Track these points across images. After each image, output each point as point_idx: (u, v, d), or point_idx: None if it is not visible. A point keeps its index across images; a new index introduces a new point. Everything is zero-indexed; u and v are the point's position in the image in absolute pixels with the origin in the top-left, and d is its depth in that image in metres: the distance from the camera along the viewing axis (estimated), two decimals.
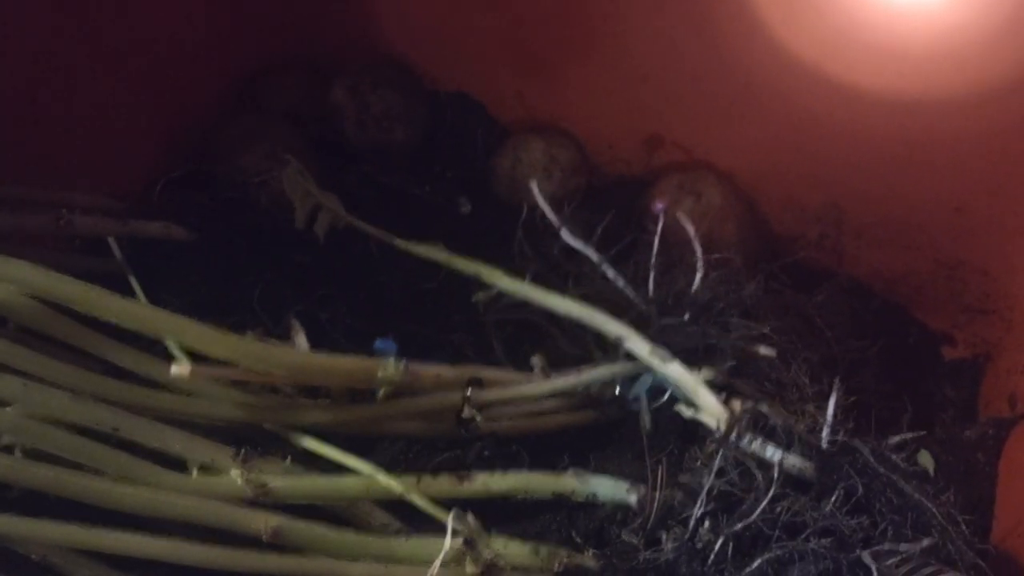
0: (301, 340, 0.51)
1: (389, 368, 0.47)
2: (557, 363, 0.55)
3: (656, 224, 0.60)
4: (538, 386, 0.53)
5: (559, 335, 0.59)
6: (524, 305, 0.59)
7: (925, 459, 0.54)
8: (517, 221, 0.63)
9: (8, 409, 0.42)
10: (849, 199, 0.67)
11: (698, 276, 0.56)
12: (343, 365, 0.47)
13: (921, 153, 0.60)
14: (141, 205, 0.57)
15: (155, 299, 0.51)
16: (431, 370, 0.49)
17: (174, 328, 0.44)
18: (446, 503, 0.45)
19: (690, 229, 0.57)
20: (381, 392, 0.48)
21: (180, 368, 0.43)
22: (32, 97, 0.54)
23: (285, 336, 0.52)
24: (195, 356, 0.45)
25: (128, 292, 0.49)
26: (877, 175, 0.63)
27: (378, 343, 0.52)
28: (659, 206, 0.62)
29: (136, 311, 0.43)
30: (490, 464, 0.49)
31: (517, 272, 0.59)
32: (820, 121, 0.63)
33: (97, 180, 0.56)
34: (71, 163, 0.55)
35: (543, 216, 0.62)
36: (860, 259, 0.69)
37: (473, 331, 0.60)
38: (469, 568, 0.43)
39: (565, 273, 0.60)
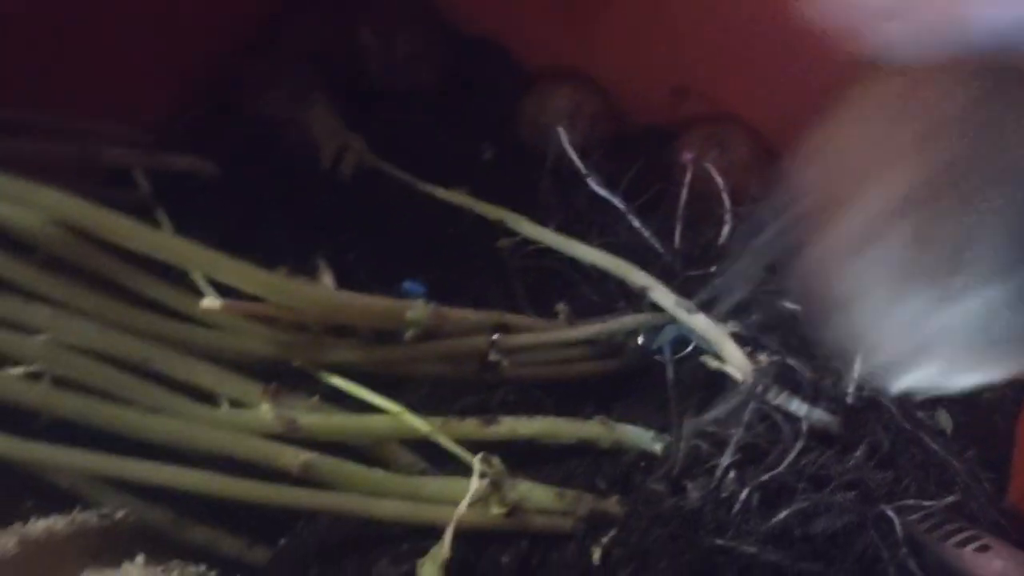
0: (328, 280, 0.51)
1: (418, 309, 0.46)
2: (581, 312, 0.55)
3: (683, 175, 0.60)
4: (562, 333, 0.53)
5: (583, 284, 0.58)
6: (548, 253, 0.59)
7: (943, 419, 0.54)
8: (541, 168, 0.63)
9: (37, 337, 0.41)
10: None
11: (726, 228, 0.56)
12: (373, 305, 0.46)
13: None
14: (166, 140, 0.56)
15: (180, 234, 0.51)
16: (458, 313, 0.49)
17: (205, 261, 0.43)
18: (471, 446, 0.45)
19: (719, 180, 0.57)
20: (408, 333, 0.47)
21: (211, 302, 0.43)
22: (57, 28, 0.53)
23: (311, 276, 0.52)
24: (223, 291, 0.45)
25: (154, 226, 0.48)
26: None
27: (406, 284, 0.51)
28: (686, 156, 0.61)
29: (167, 243, 0.43)
30: (513, 410, 0.49)
31: (541, 220, 0.59)
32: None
33: (121, 113, 0.55)
34: (95, 96, 0.54)
35: (568, 164, 0.61)
36: None
37: (496, 278, 0.60)
38: (495, 509, 0.43)
39: (590, 222, 0.60)
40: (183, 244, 0.43)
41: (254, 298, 0.44)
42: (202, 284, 0.45)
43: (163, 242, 0.42)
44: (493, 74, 0.72)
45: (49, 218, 0.42)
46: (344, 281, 0.52)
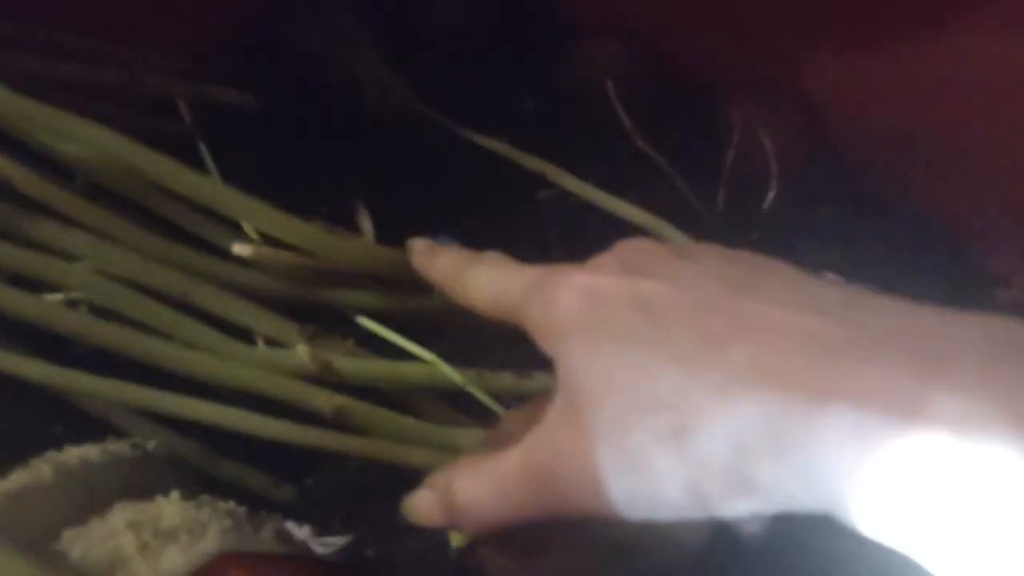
0: (367, 225, 0.50)
1: None
2: None
3: (729, 136, 0.58)
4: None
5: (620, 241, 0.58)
6: (587, 209, 0.58)
7: None
8: (582, 121, 0.62)
9: (77, 264, 0.41)
10: (924, 130, 0.65)
11: (771, 194, 0.55)
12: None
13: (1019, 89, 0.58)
14: (207, 72, 0.56)
15: (219, 167, 0.50)
16: None
17: (244, 208, 0.43)
18: (505, 399, 0.44)
19: (768, 144, 0.55)
20: None
21: (242, 248, 0.42)
22: None
23: (349, 219, 0.51)
24: (263, 234, 0.45)
25: (194, 157, 0.48)
26: (959, 108, 0.61)
27: (441, 238, 0.51)
28: (734, 117, 0.60)
29: (208, 187, 0.43)
30: (547, 365, 0.48)
31: (581, 174, 0.58)
32: (905, 46, 0.60)
33: (165, 43, 0.54)
34: (141, 24, 0.53)
35: (611, 119, 0.60)
36: (927, 192, 0.68)
37: (533, 230, 0.59)
38: None
39: (631, 179, 0.59)
40: (223, 190, 0.43)
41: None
42: (244, 225, 0.45)
43: (204, 186, 0.42)
44: (539, 23, 0.71)
45: (94, 153, 0.42)
46: (380, 225, 0.51)
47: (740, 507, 0.28)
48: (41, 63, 0.48)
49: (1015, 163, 0.62)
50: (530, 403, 0.42)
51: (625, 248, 0.34)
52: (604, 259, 0.34)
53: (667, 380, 0.28)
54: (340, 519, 0.45)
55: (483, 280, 0.38)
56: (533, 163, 0.58)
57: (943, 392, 0.24)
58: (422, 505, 0.37)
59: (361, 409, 0.42)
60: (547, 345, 0.33)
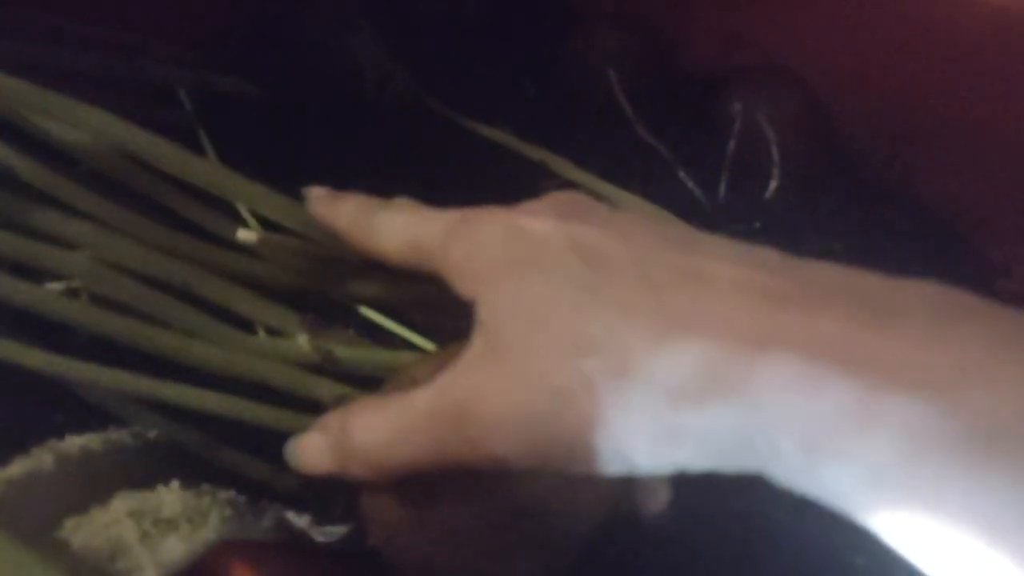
0: None
1: None
2: None
3: (731, 126, 0.58)
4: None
5: None
6: None
7: None
8: (583, 110, 0.61)
9: (78, 253, 0.41)
10: (928, 120, 0.64)
11: (773, 184, 0.55)
12: None
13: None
14: (208, 59, 0.55)
15: (220, 155, 0.50)
16: None
17: (246, 193, 0.43)
18: None
19: (770, 134, 0.55)
20: None
21: (247, 234, 0.42)
22: None
23: None
24: (264, 220, 0.45)
25: (195, 145, 0.48)
26: (964, 97, 0.61)
27: None
28: (736, 107, 0.59)
29: (212, 173, 0.42)
30: None
31: (583, 163, 0.58)
32: (912, 36, 0.60)
33: (166, 31, 0.54)
34: (142, 11, 0.53)
35: (613, 108, 0.60)
36: (929, 181, 0.67)
37: None
38: None
39: (632, 169, 0.58)
40: (228, 175, 0.42)
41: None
42: (244, 212, 0.45)
43: (208, 172, 0.42)
44: (539, 10, 0.70)
45: (96, 139, 0.42)
46: None
47: (666, 460, 0.27)
48: (41, 51, 0.48)
49: (1017, 153, 0.62)
50: (437, 354, 0.40)
51: (559, 197, 0.33)
52: (535, 204, 0.33)
53: (602, 322, 0.27)
54: (340, 509, 0.45)
55: (396, 224, 0.36)
56: (535, 152, 0.58)
57: (888, 342, 0.24)
58: (311, 447, 0.35)
59: (361, 398, 0.42)
60: (468, 286, 0.32)
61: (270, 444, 0.45)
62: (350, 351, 0.43)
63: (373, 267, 0.47)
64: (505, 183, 0.60)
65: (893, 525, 0.24)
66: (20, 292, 0.39)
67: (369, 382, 0.44)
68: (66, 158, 0.43)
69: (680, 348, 0.26)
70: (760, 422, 0.25)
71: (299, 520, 0.43)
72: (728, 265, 0.28)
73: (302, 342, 0.42)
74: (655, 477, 0.33)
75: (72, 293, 0.41)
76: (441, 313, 0.49)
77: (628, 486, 0.36)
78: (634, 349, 0.27)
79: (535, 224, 0.31)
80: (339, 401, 0.42)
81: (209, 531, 0.35)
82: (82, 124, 0.41)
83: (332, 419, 0.35)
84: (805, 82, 0.64)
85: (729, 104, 0.60)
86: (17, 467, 0.35)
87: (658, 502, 0.36)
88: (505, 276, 0.30)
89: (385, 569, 0.42)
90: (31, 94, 0.40)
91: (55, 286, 0.41)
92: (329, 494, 0.46)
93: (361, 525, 0.45)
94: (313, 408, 0.42)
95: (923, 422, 0.23)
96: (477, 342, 0.30)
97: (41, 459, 0.35)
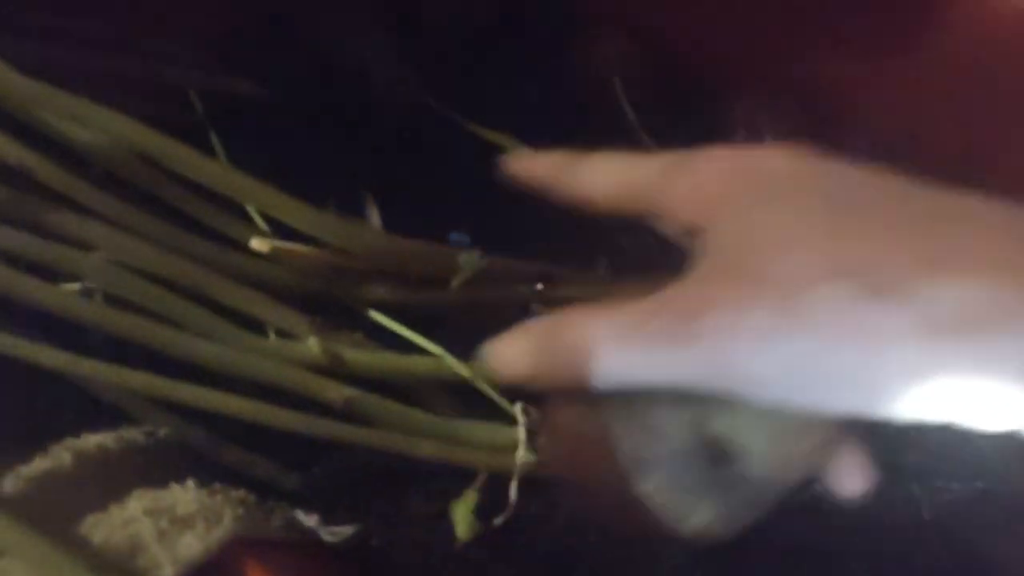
0: (375, 218, 0.51)
1: (469, 256, 0.47)
2: (621, 265, 0.55)
3: (734, 135, 0.59)
4: (603, 288, 0.53)
5: (624, 237, 0.58)
6: None
7: None
8: (587, 117, 0.62)
9: (92, 254, 0.42)
10: (929, 132, 0.65)
11: None
12: (423, 249, 0.47)
13: None
14: (219, 62, 0.56)
15: (230, 157, 0.51)
16: (504, 262, 0.50)
17: (258, 196, 0.44)
18: (510, 395, 0.45)
19: (772, 141, 0.56)
20: (456, 280, 0.48)
21: (261, 243, 0.43)
22: None
23: (356, 210, 0.52)
24: (274, 224, 0.45)
25: (206, 147, 0.48)
26: (964, 110, 0.62)
27: (453, 236, 0.52)
28: (740, 119, 0.60)
29: (225, 176, 0.43)
30: None
31: None
32: (912, 48, 0.61)
33: (178, 33, 0.55)
34: (154, 13, 0.53)
35: (615, 115, 0.61)
36: None
37: (539, 225, 0.60)
38: (529, 456, 0.44)
39: None
40: (240, 178, 0.43)
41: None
42: (255, 215, 0.45)
43: (219, 174, 0.43)
44: (544, 17, 0.71)
45: (110, 140, 0.43)
46: (388, 217, 0.52)
47: (910, 388, 0.26)
48: (55, 52, 0.49)
49: (1018, 166, 0.62)
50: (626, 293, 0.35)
51: (779, 144, 0.33)
52: (756, 148, 0.33)
53: (861, 247, 0.27)
54: (347, 508, 0.46)
55: (606, 167, 0.37)
56: None
57: None
58: (512, 347, 0.33)
59: (371, 401, 0.43)
60: (695, 217, 0.31)
61: (279, 445, 0.46)
62: (359, 354, 0.44)
63: (380, 271, 0.48)
64: (511, 188, 0.60)
65: None
66: (37, 292, 0.40)
67: (377, 384, 0.45)
68: (81, 159, 0.43)
69: (951, 279, 0.26)
70: None
71: (307, 519, 0.44)
72: (978, 204, 0.28)
73: (312, 344, 0.43)
74: (859, 457, 0.32)
75: (87, 294, 0.42)
76: (450, 316, 0.50)
77: (827, 459, 0.32)
78: (900, 276, 0.26)
79: (767, 160, 0.31)
80: (349, 404, 0.42)
81: (223, 529, 0.36)
82: (97, 126, 0.42)
83: (537, 324, 0.33)
84: (806, 92, 0.65)
85: (732, 112, 0.61)
86: (38, 464, 0.35)
87: (857, 484, 0.33)
88: (742, 205, 0.30)
89: (391, 568, 0.43)
90: (47, 95, 0.41)
91: (71, 287, 0.41)
92: (336, 495, 0.46)
93: (367, 525, 0.46)
94: (322, 409, 0.43)
95: None
96: (703, 265, 0.30)
97: (60, 457, 0.36)
